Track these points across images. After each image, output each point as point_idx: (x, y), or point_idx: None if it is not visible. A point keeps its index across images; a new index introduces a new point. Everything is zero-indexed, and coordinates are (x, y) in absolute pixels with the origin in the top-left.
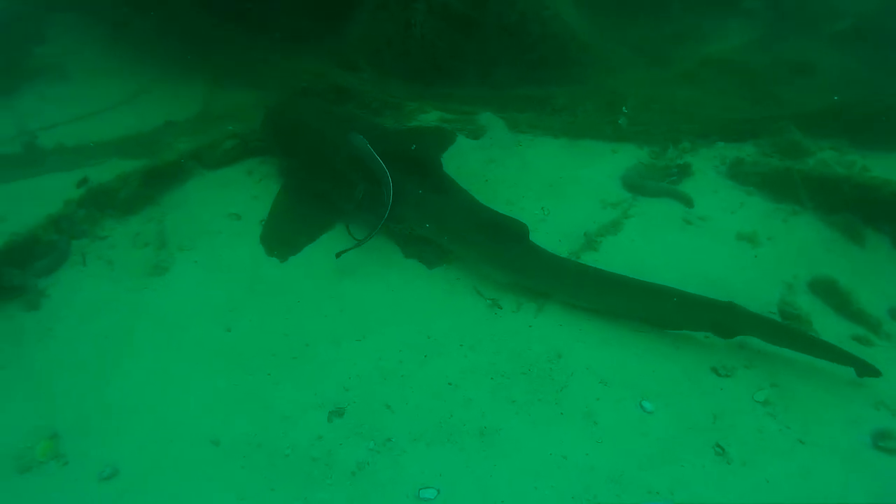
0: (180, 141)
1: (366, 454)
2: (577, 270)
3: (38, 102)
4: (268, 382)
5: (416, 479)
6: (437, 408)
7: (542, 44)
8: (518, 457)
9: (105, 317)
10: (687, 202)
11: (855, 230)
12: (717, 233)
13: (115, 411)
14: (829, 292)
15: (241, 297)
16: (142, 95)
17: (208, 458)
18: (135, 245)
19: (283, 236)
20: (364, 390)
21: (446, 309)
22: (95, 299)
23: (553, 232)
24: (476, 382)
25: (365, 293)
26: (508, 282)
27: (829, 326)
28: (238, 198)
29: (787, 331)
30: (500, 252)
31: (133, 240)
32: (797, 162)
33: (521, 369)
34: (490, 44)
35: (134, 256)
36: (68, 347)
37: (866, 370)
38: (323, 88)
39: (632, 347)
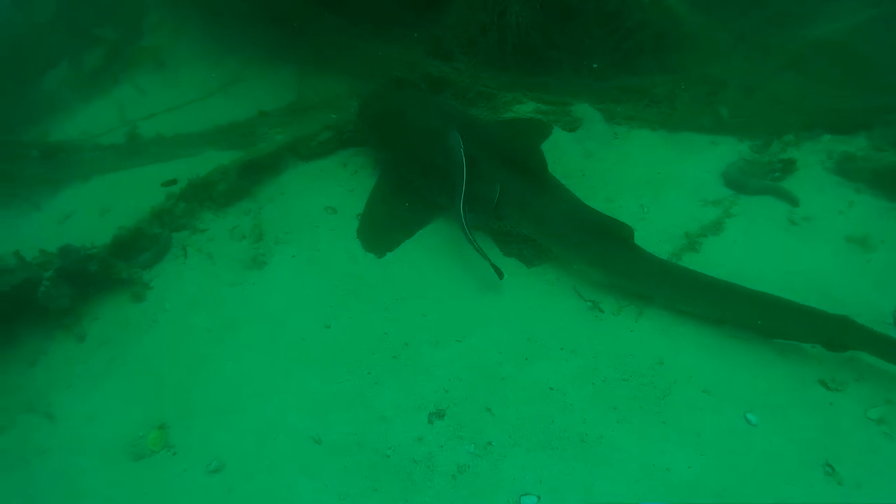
0: (275, 131)
1: (466, 458)
2: (679, 274)
3: (137, 92)
4: (368, 381)
5: (517, 484)
6: (538, 412)
7: (640, 31)
8: (620, 466)
9: (207, 310)
10: (792, 201)
11: None
12: (825, 235)
13: (218, 405)
14: None
15: (339, 293)
16: (235, 84)
17: (311, 457)
18: (233, 237)
19: (380, 232)
20: (464, 392)
21: (546, 310)
22: (198, 292)
23: (653, 231)
24: (577, 387)
25: (463, 292)
26: (608, 283)
27: None
28: (334, 190)
29: None
30: (602, 253)
31: (231, 233)
32: None
33: (622, 375)
34: (587, 32)
35: (232, 249)
36: (173, 339)
37: None
38: (416, 78)
39: (735, 356)
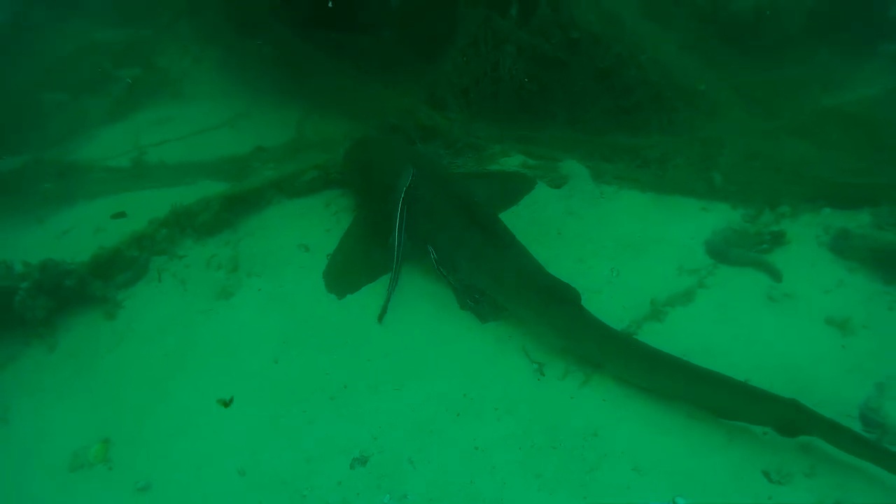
0: (267, 167)
1: None
2: (624, 343)
3: (153, 120)
4: (302, 419)
5: None
6: (460, 471)
7: (637, 89)
8: None
9: (171, 334)
10: (775, 275)
11: None
12: (804, 314)
13: (162, 427)
14: None
15: (295, 329)
16: (241, 118)
17: (232, 488)
18: (209, 267)
19: (345, 274)
20: (391, 441)
21: (490, 368)
22: (165, 316)
23: (618, 296)
24: (504, 450)
25: (413, 341)
26: (562, 346)
27: None
28: (312, 229)
29: (858, 438)
30: (550, 316)
31: (208, 261)
32: None
33: (552, 442)
34: (581, 87)
35: (206, 278)
36: (134, 360)
37: None
38: (409, 126)
39: (678, 435)
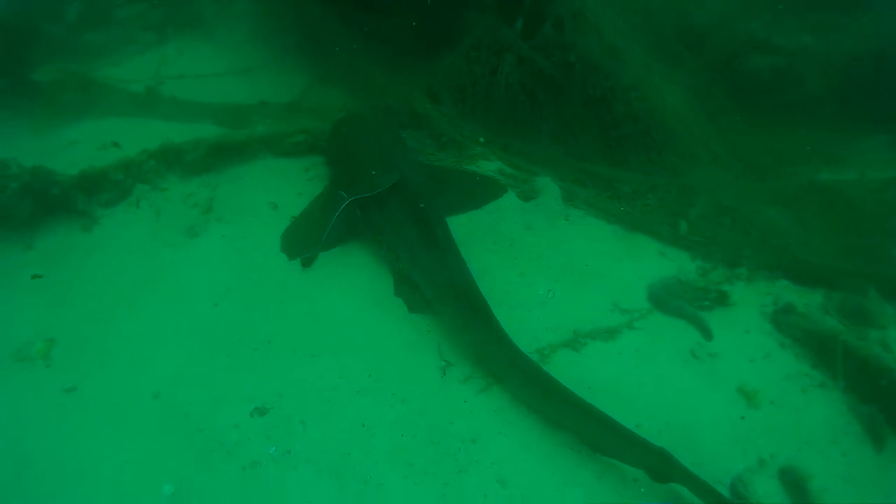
0: (263, 123)
1: (263, 456)
2: (523, 364)
3: (180, 53)
4: (222, 362)
5: (291, 495)
6: (342, 442)
7: (624, 123)
8: None
9: (135, 258)
10: (706, 333)
11: (878, 431)
12: (719, 377)
13: (103, 340)
14: (797, 489)
15: (242, 279)
16: (255, 71)
17: (144, 407)
18: (185, 204)
19: (301, 238)
20: (292, 401)
21: (401, 356)
22: (134, 240)
23: (546, 317)
24: (387, 433)
25: (341, 315)
26: (473, 354)
27: None
28: (285, 190)
29: (717, 497)
30: (462, 322)
31: (185, 199)
32: (853, 332)
33: (433, 438)
34: (571, 109)
35: (180, 213)
36: (97, 273)
37: None
38: (402, 110)
39: (552, 460)
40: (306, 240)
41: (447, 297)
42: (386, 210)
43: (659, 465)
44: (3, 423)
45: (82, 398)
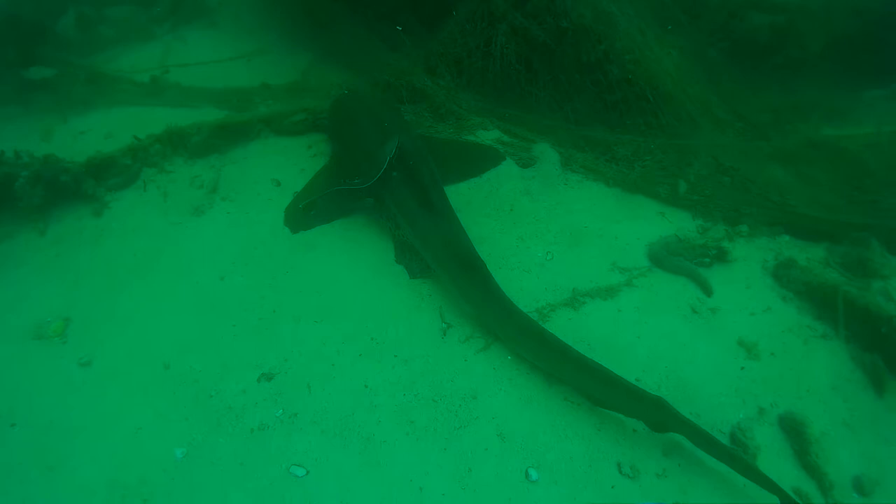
0: (265, 104)
1: (271, 420)
2: (520, 321)
3: (184, 42)
4: (229, 332)
5: (297, 456)
6: (346, 403)
7: (620, 87)
8: (384, 472)
9: (144, 238)
10: (706, 289)
11: (879, 376)
12: (719, 331)
13: (115, 316)
14: (796, 434)
15: (246, 254)
16: (257, 55)
17: (155, 377)
18: (191, 185)
19: (304, 212)
20: (298, 365)
21: (403, 319)
22: (142, 221)
23: (545, 279)
24: (389, 393)
25: (344, 283)
26: (473, 314)
27: (774, 468)
28: (288, 167)
29: (713, 442)
30: (461, 283)
31: (191, 180)
32: (855, 283)
33: (434, 396)
34: (567, 76)
35: (186, 194)
36: (108, 254)
37: None
38: (400, 85)
39: (552, 414)
40: (309, 216)
41: (445, 260)
42: (385, 179)
43: (656, 414)
44: (24, 396)
45: (97, 371)
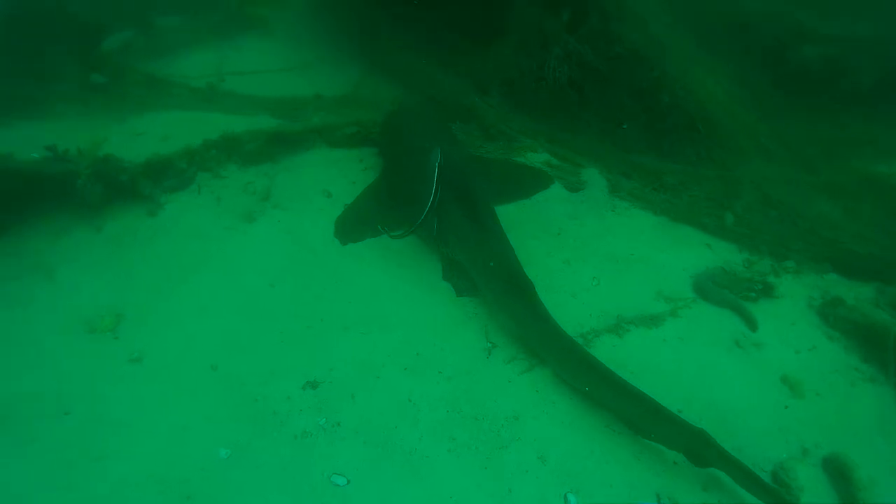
0: (318, 115)
1: (314, 427)
2: (566, 344)
3: (239, 51)
4: (276, 339)
5: (339, 464)
6: (390, 415)
7: (670, 115)
8: (424, 486)
9: (196, 241)
10: (750, 323)
11: None
12: (763, 366)
13: (166, 315)
14: (842, 478)
15: (296, 262)
16: (311, 66)
17: (202, 377)
18: (244, 191)
19: (354, 224)
20: (343, 375)
21: (449, 336)
22: (196, 224)
23: (590, 304)
24: (432, 408)
25: (391, 295)
26: (517, 335)
27: None
28: (339, 178)
29: (756, 480)
30: (508, 302)
31: (244, 186)
32: None
33: (476, 414)
34: (618, 102)
35: (239, 200)
36: (161, 254)
37: None
38: (452, 103)
39: (592, 439)
40: (359, 228)
41: (493, 279)
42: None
43: (699, 447)
44: (78, 387)
45: (146, 368)
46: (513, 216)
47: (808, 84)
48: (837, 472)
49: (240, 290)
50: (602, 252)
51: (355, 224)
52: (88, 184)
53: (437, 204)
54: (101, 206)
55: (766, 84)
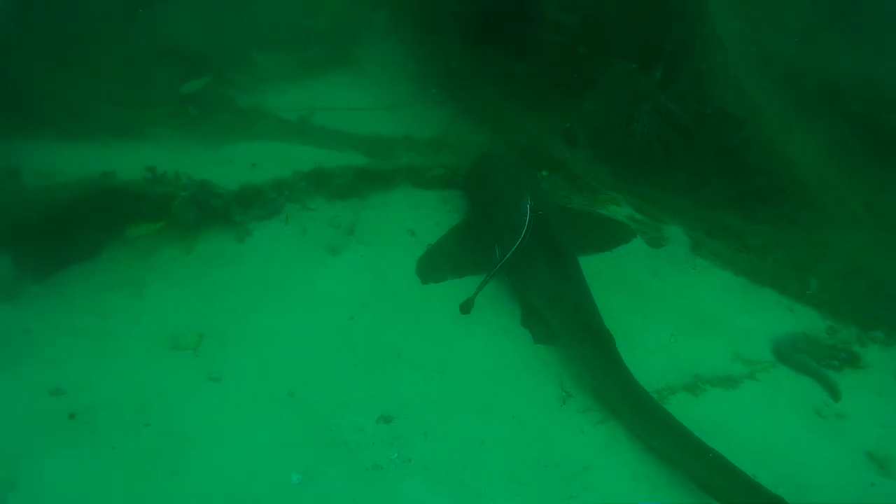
0: (407, 155)
1: (385, 461)
2: (642, 400)
3: (330, 87)
4: (352, 370)
5: (407, 500)
6: (460, 455)
7: (758, 175)
8: None
9: (279, 268)
10: (833, 393)
11: None
12: (847, 439)
13: (246, 338)
14: None
15: (377, 297)
16: (401, 107)
17: (278, 401)
18: (330, 224)
19: (436, 265)
20: (417, 413)
21: (523, 383)
22: (280, 253)
23: (666, 360)
24: (503, 452)
25: (469, 339)
26: (593, 387)
27: None
28: (424, 219)
29: None
30: (585, 350)
31: (330, 220)
32: None
33: (546, 462)
34: (705, 161)
35: (324, 232)
36: (246, 279)
37: None
38: (538, 151)
39: (662, 495)
40: (441, 269)
41: (573, 328)
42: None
43: None
44: (159, 400)
45: (225, 388)
46: (593, 267)
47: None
48: None
49: (319, 320)
50: (681, 309)
51: (438, 264)
52: (184, 206)
53: (523, 250)
54: (193, 229)
55: (857, 148)
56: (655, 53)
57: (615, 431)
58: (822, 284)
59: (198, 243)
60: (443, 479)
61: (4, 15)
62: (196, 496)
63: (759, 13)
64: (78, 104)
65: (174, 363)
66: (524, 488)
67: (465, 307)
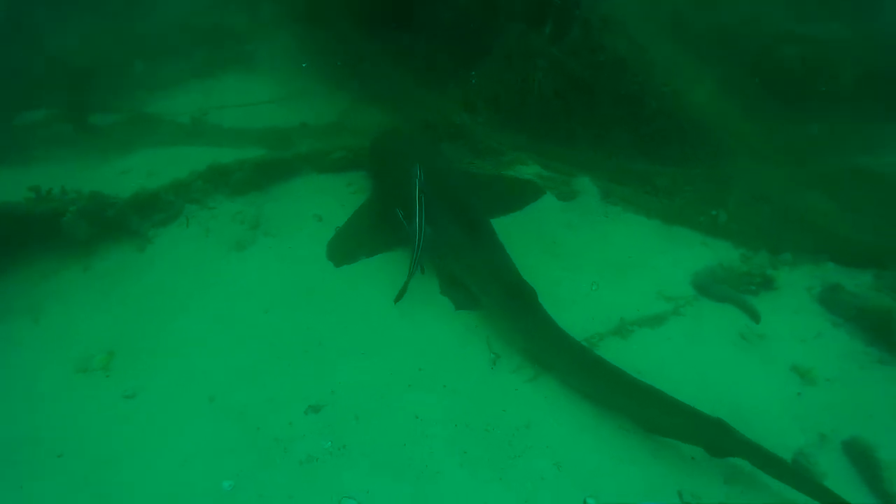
0: (304, 143)
1: (320, 452)
2: (576, 350)
3: (222, 86)
4: (273, 365)
5: (348, 487)
6: (397, 434)
7: (657, 118)
8: (439, 502)
9: (186, 274)
10: (753, 316)
11: None
12: (771, 357)
13: (159, 350)
14: (864, 459)
15: (290, 287)
16: (295, 97)
17: (200, 410)
18: (233, 221)
19: (347, 246)
20: (345, 398)
21: (450, 350)
22: (185, 257)
23: (591, 309)
24: (440, 423)
25: (389, 316)
26: (522, 346)
27: (844, 495)
28: (329, 203)
29: (780, 462)
30: (510, 312)
31: (233, 216)
32: None
33: (486, 425)
34: (604, 110)
35: (228, 230)
36: (151, 290)
37: None
38: (440, 123)
39: (606, 442)
40: (353, 250)
41: (493, 289)
42: (431, 212)
43: (717, 437)
44: (69, 428)
45: (142, 404)
46: (507, 228)
47: (789, 83)
48: (859, 454)
49: (233, 320)
50: (599, 258)
51: (348, 245)
52: (74, 221)
53: (429, 217)
54: (88, 244)
55: (751, 86)
56: (544, 10)
57: (549, 386)
58: (730, 216)
59: (95, 261)
60: (382, 460)
61: None
62: None
63: None
64: None
65: (84, 386)
66: (467, 456)
67: (398, 297)
